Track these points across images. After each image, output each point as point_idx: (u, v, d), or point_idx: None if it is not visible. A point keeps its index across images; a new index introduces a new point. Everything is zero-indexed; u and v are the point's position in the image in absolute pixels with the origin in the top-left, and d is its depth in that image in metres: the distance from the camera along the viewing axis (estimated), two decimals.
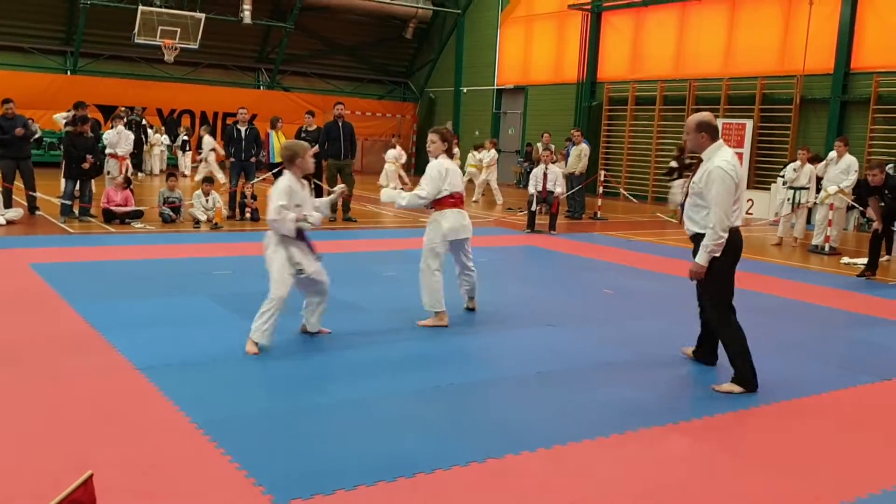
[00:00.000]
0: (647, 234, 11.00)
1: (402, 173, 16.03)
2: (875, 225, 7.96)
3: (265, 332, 4.25)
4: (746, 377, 3.91)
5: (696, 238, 3.98)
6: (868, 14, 13.43)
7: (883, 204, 7.82)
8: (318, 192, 11.54)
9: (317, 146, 10.97)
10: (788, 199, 10.44)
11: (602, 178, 13.59)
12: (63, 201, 9.54)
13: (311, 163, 4.42)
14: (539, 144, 15.35)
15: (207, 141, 15.71)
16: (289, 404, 3.54)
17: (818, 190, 10.19)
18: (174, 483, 2.70)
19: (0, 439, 3.01)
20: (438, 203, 5.00)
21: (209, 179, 10.55)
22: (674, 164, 13.74)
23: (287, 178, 4.32)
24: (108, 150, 10.75)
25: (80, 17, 18.09)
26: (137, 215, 9.71)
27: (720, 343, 4.10)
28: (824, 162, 10.04)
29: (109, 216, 9.49)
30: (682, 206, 4.23)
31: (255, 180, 11.17)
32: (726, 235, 3.82)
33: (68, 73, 19.27)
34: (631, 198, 15.58)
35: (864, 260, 8.13)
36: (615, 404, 3.71)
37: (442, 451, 3.05)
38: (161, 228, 9.38)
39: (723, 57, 15.62)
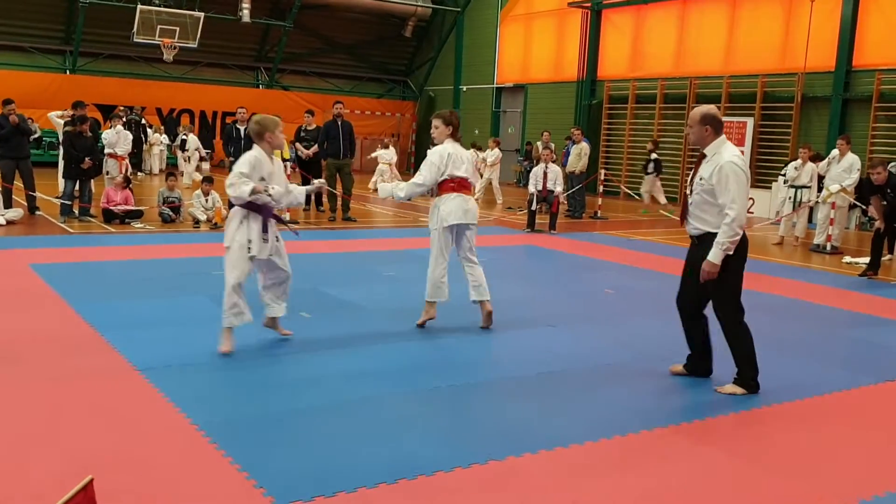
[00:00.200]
0: (648, 234, 10.98)
1: (397, 173, 15.99)
2: (877, 224, 7.94)
3: (237, 315, 4.16)
4: (750, 379, 3.87)
5: (704, 238, 3.81)
6: (870, 11, 13.39)
7: (885, 203, 7.80)
8: (317, 193, 11.55)
9: (316, 145, 10.97)
10: (790, 198, 10.41)
11: (602, 177, 13.56)
12: (63, 201, 9.53)
13: (281, 138, 4.30)
14: (539, 143, 15.33)
15: (192, 140, 15.70)
16: (289, 405, 3.53)
17: (820, 189, 10.16)
18: (175, 485, 2.69)
19: (0, 440, 3.01)
20: (439, 188, 4.86)
21: (209, 179, 10.53)
22: (654, 156, 13.96)
23: (255, 150, 4.23)
24: (107, 150, 10.73)
25: (80, 16, 18.06)
26: (137, 215, 9.69)
27: (729, 345, 3.92)
28: (826, 160, 10.02)
29: (109, 216, 9.47)
30: (685, 205, 3.89)
31: None
32: (741, 232, 3.70)
33: (67, 72, 19.25)
34: (635, 195, 15.55)
35: (867, 259, 8.11)
36: (617, 405, 3.69)
37: (443, 453, 3.03)
38: (161, 228, 9.36)
39: (723, 54, 15.59)
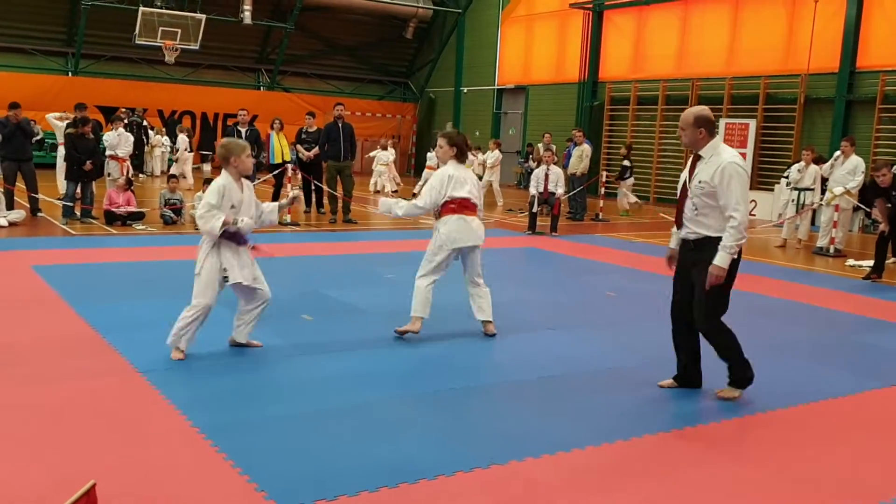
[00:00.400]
0: (650, 236, 10.96)
1: (396, 174, 15.98)
2: (882, 227, 7.91)
3: (183, 338, 4.09)
4: (743, 377, 3.81)
5: (702, 242, 3.70)
6: (874, 12, 13.35)
7: (890, 205, 7.76)
8: (319, 194, 11.57)
9: (317, 147, 10.97)
10: (793, 201, 10.38)
11: (604, 179, 13.55)
12: (65, 203, 9.53)
13: (248, 163, 4.14)
14: (540, 145, 15.31)
15: (182, 139, 15.70)
16: (291, 408, 3.51)
17: (823, 191, 10.13)
18: (176, 488, 2.67)
19: (0, 441, 3.00)
20: (441, 210, 4.78)
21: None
22: (626, 162, 13.96)
23: (223, 178, 4.13)
24: (108, 152, 10.73)
25: (82, 18, 18.09)
26: (139, 217, 9.69)
27: (717, 349, 3.80)
28: (829, 162, 9.99)
29: (111, 218, 9.47)
30: (681, 209, 3.79)
31: (256, 182, 11.13)
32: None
33: (69, 74, 19.28)
34: (635, 198, 15.51)
35: (871, 262, 8.08)
36: (619, 409, 3.67)
37: (445, 457, 3.02)
38: (163, 230, 9.36)
39: (726, 56, 15.57)
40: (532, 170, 12.54)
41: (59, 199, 9.81)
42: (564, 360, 4.48)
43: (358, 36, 22.21)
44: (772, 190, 13.83)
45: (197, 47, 18.46)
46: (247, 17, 19.47)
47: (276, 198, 10.85)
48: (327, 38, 22.11)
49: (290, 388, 3.83)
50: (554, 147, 12.72)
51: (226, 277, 4.12)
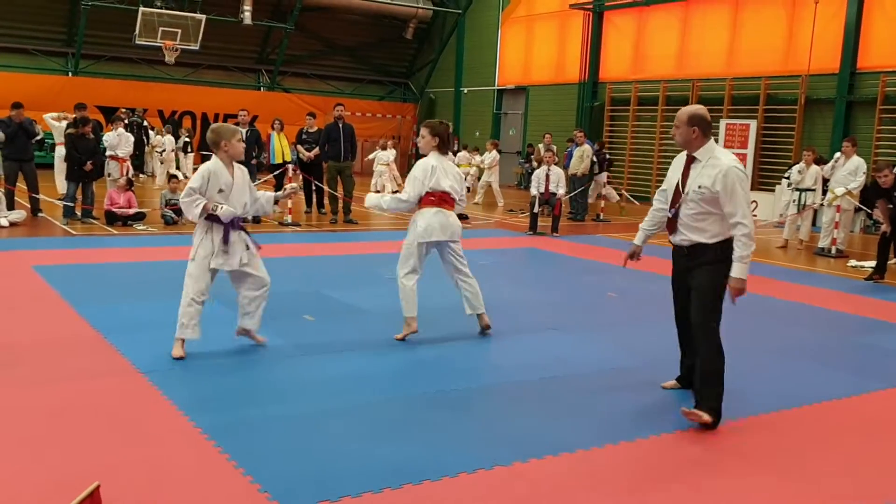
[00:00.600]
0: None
1: (397, 174, 15.97)
2: (883, 227, 7.90)
3: (188, 328, 4.09)
4: (717, 405, 3.46)
5: (696, 249, 3.53)
6: (875, 12, 13.35)
7: (892, 206, 7.76)
8: (320, 194, 11.56)
9: (317, 148, 10.96)
10: (794, 201, 10.37)
11: (604, 180, 13.54)
12: (65, 203, 9.52)
13: (239, 148, 4.09)
14: (541, 145, 15.31)
15: (168, 140, 15.65)
16: (293, 409, 3.50)
17: (824, 192, 10.13)
18: (178, 489, 2.66)
19: (2, 443, 2.98)
20: (420, 201, 4.66)
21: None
22: (593, 158, 13.92)
23: (211, 162, 4.08)
24: (108, 152, 10.72)
25: (82, 18, 18.08)
26: (140, 217, 9.68)
27: (702, 361, 3.54)
28: (830, 163, 9.98)
29: (112, 218, 9.46)
30: (676, 215, 3.63)
31: (257, 182, 11.11)
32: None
33: (70, 74, 19.27)
34: (632, 199, 15.52)
35: (872, 263, 8.08)
36: (622, 411, 3.66)
37: (449, 458, 3.01)
38: (163, 230, 9.34)
39: (726, 57, 15.57)
40: (532, 170, 12.53)
41: (59, 199, 9.80)
42: (566, 360, 4.47)
43: (358, 36, 22.20)
44: (772, 191, 13.82)
45: (197, 48, 18.45)
46: (247, 17, 19.47)
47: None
48: (327, 39, 22.10)
49: (291, 389, 3.82)
50: (555, 147, 12.71)
51: (214, 268, 4.12)
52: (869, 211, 9.61)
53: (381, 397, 3.70)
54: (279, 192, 4.66)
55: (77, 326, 4.74)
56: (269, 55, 21.69)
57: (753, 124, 14.67)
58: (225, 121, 20.25)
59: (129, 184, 10.06)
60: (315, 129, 11.30)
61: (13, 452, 2.92)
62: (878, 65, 13.28)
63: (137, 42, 17.91)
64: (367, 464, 2.92)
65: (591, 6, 17.89)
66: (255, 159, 10.96)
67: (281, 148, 11.44)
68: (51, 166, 11.51)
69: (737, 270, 3.42)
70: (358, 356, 4.39)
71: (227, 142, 4.08)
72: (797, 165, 10.68)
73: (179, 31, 18.08)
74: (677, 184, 3.60)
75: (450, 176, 4.67)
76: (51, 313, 5.05)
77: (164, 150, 15.90)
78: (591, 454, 3.13)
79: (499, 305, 5.76)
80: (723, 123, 14.99)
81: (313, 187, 11.40)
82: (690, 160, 3.57)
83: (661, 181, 3.89)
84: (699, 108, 3.57)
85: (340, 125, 10.69)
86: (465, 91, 22.10)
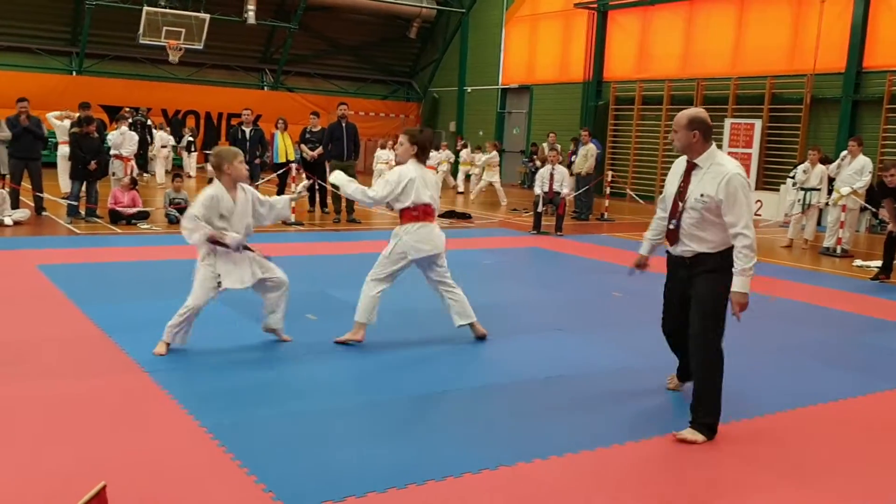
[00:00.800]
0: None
1: None
2: (890, 227, 7.86)
3: (176, 335, 4.15)
4: (712, 423, 3.32)
5: (698, 259, 3.35)
6: (882, 11, 13.28)
7: None
8: (323, 193, 11.55)
9: (321, 147, 10.96)
10: (799, 201, 10.33)
11: (609, 179, 13.51)
12: (69, 202, 9.53)
13: (242, 170, 4.10)
14: (545, 144, 15.29)
15: (160, 136, 15.64)
16: (297, 408, 3.49)
17: (829, 191, 10.09)
18: (183, 488, 2.66)
19: (7, 441, 2.98)
20: (402, 215, 4.56)
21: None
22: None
23: (214, 188, 4.10)
24: (112, 151, 10.74)
25: (86, 17, 18.12)
26: (143, 216, 9.69)
27: (701, 377, 3.37)
28: (836, 162, 9.94)
29: (116, 217, 9.47)
30: (678, 224, 3.45)
31: (260, 182, 11.12)
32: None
33: (73, 73, 19.31)
34: (637, 198, 15.49)
35: (878, 262, 8.03)
36: (628, 411, 3.65)
37: (453, 458, 2.99)
38: (167, 229, 9.35)
39: (731, 56, 15.52)
40: (536, 169, 12.51)
41: (63, 198, 9.81)
42: (571, 360, 4.46)
43: (362, 36, 22.20)
44: (777, 190, 13.77)
45: (201, 47, 18.47)
46: (251, 16, 19.48)
47: None
48: (331, 38, 22.10)
49: (295, 388, 3.81)
50: (559, 146, 12.69)
51: (219, 283, 4.14)
52: (874, 211, 9.56)
53: (385, 397, 3.69)
54: (293, 195, 4.67)
55: (81, 325, 4.74)
56: (272, 54, 21.70)
57: (758, 124, 14.62)
58: (229, 120, 20.30)
59: (133, 183, 10.08)
60: (318, 128, 11.30)
61: (19, 451, 2.92)
62: (885, 64, 13.21)
63: (141, 41, 17.94)
64: (371, 463, 2.91)
65: (595, 5, 17.86)
66: (259, 158, 10.97)
67: (284, 147, 11.44)
68: (54, 165, 11.53)
69: (738, 284, 3.25)
70: (361, 356, 4.38)
71: (228, 164, 4.10)
72: (802, 165, 10.65)
73: (183, 30, 18.10)
74: (676, 193, 3.42)
75: (429, 186, 4.58)
76: (55, 312, 5.06)
77: (165, 147, 15.89)
78: (597, 455, 3.12)
79: (503, 305, 5.74)
80: (727, 123, 14.94)
81: (316, 186, 11.40)
82: (691, 167, 3.39)
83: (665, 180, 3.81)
84: (699, 111, 3.40)
85: (344, 124, 10.69)
86: (469, 90, 22.07)
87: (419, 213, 4.51)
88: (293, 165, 11.09)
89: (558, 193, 10.68)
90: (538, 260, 8.64)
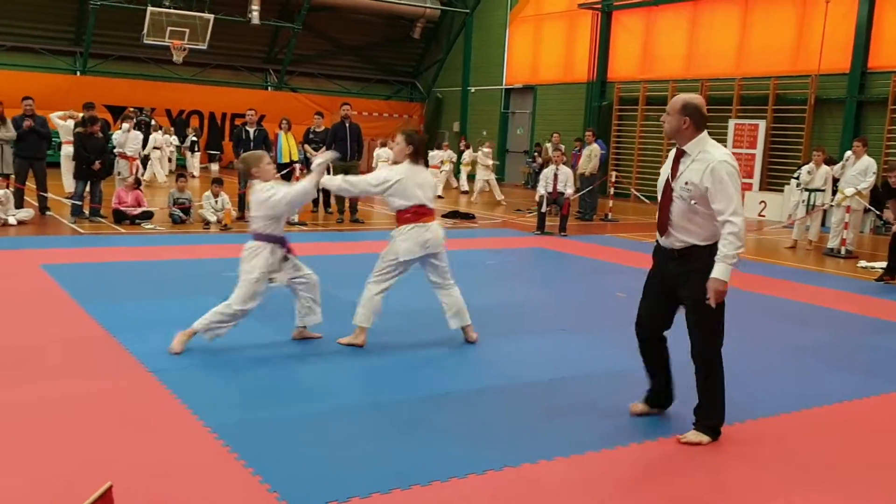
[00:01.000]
0: None
1: None
2: (894, 228, 7.84)
3: (212, 333, 4.21)
4: (716, 425, 3.30)
5: (688, 252, 3.22)
6: (887, 11, 13.24)
7: None
8: (326, 194, 11.54)
9: (325, 147, 10.97)
10: (803, 202, 10.30)
11: (613, 179, 13.50)
12: (73, 202, 9.56)
13: (270, 170, 4.30)
14: (549, 145, 15.28)
15: (153, 138, 15.63)
16: (302, 409, 3.50)
17: (834, 192, 10.06)
18: (188, 488, 2.66)
19: (12, 442, 2.98)
20: (396, 217, 4.56)
21: (219, 181, 10.54)
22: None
23: (270, 186, 4.28)
24: (117, 151, 10.77)
25: (90, 17, 18.16)
26: (147, 216, 9.71)
27: (702, 382, 3.30)
28: (841, 163, 9.91)
29: (120, 217, 9.49)
30: (666, 214, 3.32)
31: None
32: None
33: (78, 73, 19.36)
34: (643, 198, 15.47)
35: (883, 263, 8.01)
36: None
37: (457, 459, 2.99)
38: (171, 229, 9.37)
39: (735, 56, 15.48)
40: (539, 169, 12.50)
41: (67, 197, 9.84)
42: (576, 361, 4.45)
43: (365, 36, 22.22)
44: (781, 191, 13.73)
45: (205, 47, 18.50)
46: (255, 17, 19.51)
47: None
48: (335, 39, 22.12)
49: (299, 388, 3.82)
50: (563, 147, 12.68)
51: (271, 279, 4.31)
52: (879, 212, 9.53)
53: (390, 398, 3.69)
54: (314, 171, 4.60)
55: (85, 325, 4.75)
56: (276, 55, 21.73)
57: (762, 124, 14.59)
58: (232, 120, 20.33)
59: (138, 182, 10.10)
60: (322, 128, 11.32)
61: (25, 451, 2.93)
62: (890, 64, 13.17)
63: (145, 41, 17.97)
64: (375, 464, 2.91)
65: (599, 6, 17.84)
66: None
67: (288, 147, 11.45)
68: (58, 165, 11.56)
69: (718, 271, 3.09)
70: (366, 356, 4.38)
71: (257, 168, 4.29)
72: (806, 166, 10.61)
73: (187, 30, 18.14)
74: (666, 180, 3.30)
75: (423, 186, 4.55)
76: (59, 312, 5.07)
77: (158, 148, 15.88)
78: (602, 455, 3.11)
79: (506, 306, 5.74)
80: (731, 123, 14.91)
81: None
82: (680, 154, 3.27)
83: None
84: (695, 98, 3.29)
85: (347, 124, 10.70)
86: (473, 90, 22.07)
87: (412, 214, 4.51)
88: (297, 166, 11.10)
89: (562, 194, 10.67)
90: (542, 260, 8.63)
